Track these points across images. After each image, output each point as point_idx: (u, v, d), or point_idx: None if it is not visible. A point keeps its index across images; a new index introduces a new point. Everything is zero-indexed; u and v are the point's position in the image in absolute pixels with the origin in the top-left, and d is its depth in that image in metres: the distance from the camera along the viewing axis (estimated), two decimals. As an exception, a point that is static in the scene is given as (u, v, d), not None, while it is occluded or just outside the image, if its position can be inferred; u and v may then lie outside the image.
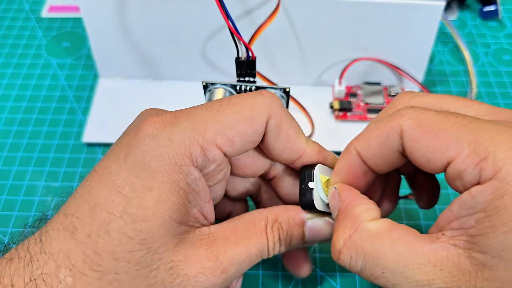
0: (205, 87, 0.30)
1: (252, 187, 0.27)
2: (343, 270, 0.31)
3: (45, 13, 0.48)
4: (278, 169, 0.26)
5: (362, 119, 0.38)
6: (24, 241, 0.20)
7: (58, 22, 0.47)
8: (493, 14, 0.47)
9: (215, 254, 0.21)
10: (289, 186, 0.26)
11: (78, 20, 0.47)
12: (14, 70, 0.43)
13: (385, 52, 0.38)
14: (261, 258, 0.23)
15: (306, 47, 0.38)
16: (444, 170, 0.20)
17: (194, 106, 0.23)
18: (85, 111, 0.39)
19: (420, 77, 0.40)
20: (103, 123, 0.38)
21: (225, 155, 0.22)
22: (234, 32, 0.29)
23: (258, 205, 0.28)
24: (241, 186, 0.27)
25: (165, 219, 0.20)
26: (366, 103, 0.39)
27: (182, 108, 0.23)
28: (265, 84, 0.32)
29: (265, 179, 0.27)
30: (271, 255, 0.23)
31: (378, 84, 0.40)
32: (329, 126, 0.38)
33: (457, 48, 0.45)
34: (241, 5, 0.34)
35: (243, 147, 0.22)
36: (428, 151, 0.20)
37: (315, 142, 0.25)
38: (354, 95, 0.39)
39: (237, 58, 0.30)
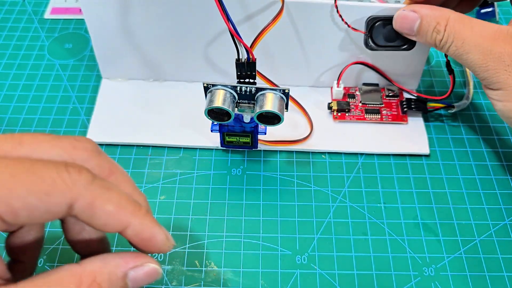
0: (206, 88, 0.31)
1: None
2: (343, 268, 0.32)
3: (47, 15, 0.48)
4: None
5: (360, 119, 0.38)
6: None
7: (61, 23, 0.48)
8: (490, 16, 0.48)
9: None
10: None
11: (80, 22, 0.47)
12: (17, 71, 0.43)
13: (383, 53, 0.38)
14: None
15: (305, 49, 0.38)
16: None
17: None
18: (87, 111, 0.40)
19: (418, 77, 0.40)
20: (105, 123, 0.39)
21: (6, 223, 0.19)
22: (234, 34, 0.29)
23: (66, 232, 0.24)
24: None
25: None
26: (364, 104, 0.39)
27: None
28: (265, 85, 0.32)
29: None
30: None
31: (376, 85, 0.40)
32: (328, 127, 0.39)
33: (454, 49, 0.45)
34: (243, 8, 0.35)
35: (31, 220, 0.19)
36: None
37: (146, 213, 0.22)
38: (352, 96, 0.40)
39: (237, 60, 0.30)
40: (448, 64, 0.37)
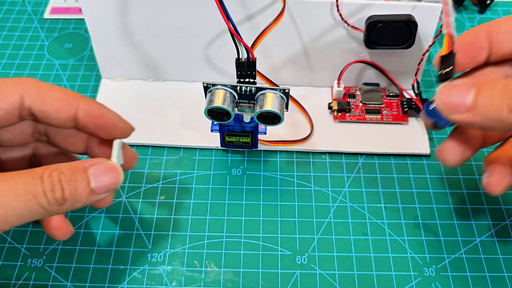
0: (206, 88, 0.31)
1: (27, 149, 0.29)
2: (343, 269, 0.32)
3: (47, 14, 0.48)
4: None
5: (361, 119, 0.38)
6: None
7: (60, 23, 0.48)
8: None
9: None
10: (67, 135, 0.28)
11: (80, 21, 0.47)
12: (17, 71, 0.43)
13: (383, 52, 0.38)
14: (39, 203, 0.22)
15: (305, 48, 0.38)
16: None
17: None
18: (87, 111, 0.40)
19: (419, 77, 0.40)
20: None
21: None
22: (234, 34, 0.29)
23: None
24: (15, 152, 0.29)
25: None
26: (365, 104, 0.39)
27: None
28: (265, 84, 0.32)
29: (42, 140, 0.29)
30: (51, 200, 0.22)
31: (376, 85, 0.40)
32: (328, 127, 0.38)
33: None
34: (243, 8, 0.35)
35: None
36: None
37: (89, 98, 0.26)
38: (352, 96, 0.40)
39: (237, 59, 0.30)
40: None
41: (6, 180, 0.22)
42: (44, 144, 0.29)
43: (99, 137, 0.27)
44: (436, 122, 0.27)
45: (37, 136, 0.29)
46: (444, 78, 0.26)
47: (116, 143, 0.27)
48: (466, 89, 0.24)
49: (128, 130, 0.27)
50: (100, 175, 0.24)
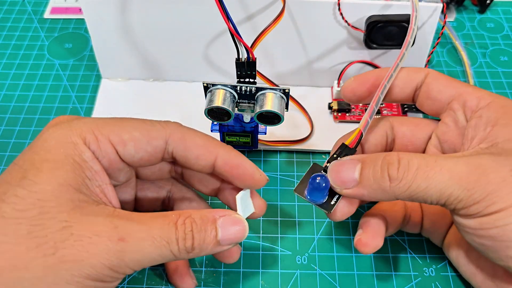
0: (206, 88, 0.31)
1: (161, 192, 0.30)
2: (343, 268, 0.32)
3: (47, 14, 0.48)
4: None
5: (361, 120, 0.38)
6: None
7: (60, 23, 0.48)
8: None
9: (114, 223, 0.22)
10: (202, 178, 0.29)
11: (80, 21, 0.47)
12: (17, 71, 0.43)
13: (383, 52, 0.38)
14: (170, 250, 0.23)
15: (306, 48, 0.38)
16: (449, 101, 0.28)
17: None
18: (87, 111, 0.40)
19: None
20: (105, 123, 0.38)
21: (120, 157, 0.25)
22: (234, 34, 0.29)
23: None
24: (151, 192, 0.30)
25: (59, 183, 0.22)
26: (365, 104, 0.39)
27: None
28: (265, 84, 0.32)
29: (177, 179, 0.30)
30: (181, 248, 0.23)
31: (376, 85, 0.40)
32: (328, 127, 0.38)
33: (455, 49, 0.45)
34: (243, 8, 0.35)
35: (136, 153, 0.25)
36: (445, 86, 0.28)
37: (228, 146, 0.27)
38: (353, 95, 0.40)
39: (237, 59, 0.30)
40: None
41: (143, 223, 0.23)
42: (179, 189, 0.31)
43: (233, 184, 0.28)
44: (314, 202, 0.27)
45: (173, 174, 0.30)
46: (332, 159, 0.27)
47: (240, 196, 0.27)
48: (352, 164, 0.26)
49: (263, 181, 0.27)
50: (228, 227, 0.24)
